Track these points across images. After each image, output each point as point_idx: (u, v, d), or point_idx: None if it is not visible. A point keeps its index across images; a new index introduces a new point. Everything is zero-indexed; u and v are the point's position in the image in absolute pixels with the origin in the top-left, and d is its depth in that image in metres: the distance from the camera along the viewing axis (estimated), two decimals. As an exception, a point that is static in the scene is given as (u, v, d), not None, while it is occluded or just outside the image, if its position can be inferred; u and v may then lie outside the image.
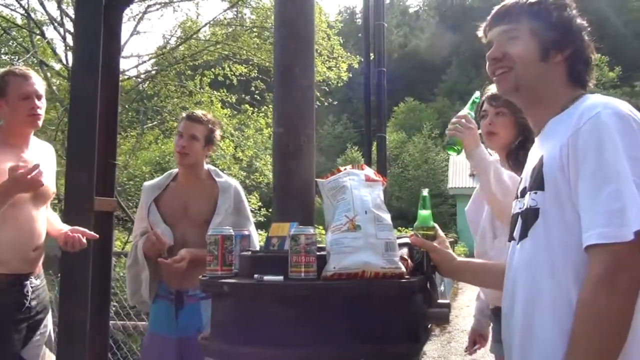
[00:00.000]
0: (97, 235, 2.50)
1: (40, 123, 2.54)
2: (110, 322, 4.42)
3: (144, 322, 4.37)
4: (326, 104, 13.60)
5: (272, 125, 1.66)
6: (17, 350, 2.47)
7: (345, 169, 1.50)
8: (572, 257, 1.18)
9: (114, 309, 4.93)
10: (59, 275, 3.12)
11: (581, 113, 1.23)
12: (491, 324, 2.72)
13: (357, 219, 1.38)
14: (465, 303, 10.76)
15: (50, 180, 2.64)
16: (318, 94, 13.28)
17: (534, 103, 1.40)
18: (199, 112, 2.84)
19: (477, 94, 2.21)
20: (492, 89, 2.30)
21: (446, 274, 1.61)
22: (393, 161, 33.50)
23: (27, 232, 2.49)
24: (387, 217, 1.43)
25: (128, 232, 9.69)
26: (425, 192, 1.63)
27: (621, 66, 30.01)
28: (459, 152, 2.14)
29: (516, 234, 1.36)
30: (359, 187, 1.44)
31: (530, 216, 1.29)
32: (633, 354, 1.12)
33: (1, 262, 2.39)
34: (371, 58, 3.50)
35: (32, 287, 2.55)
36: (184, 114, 2.87)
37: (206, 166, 2.86)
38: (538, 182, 1.27)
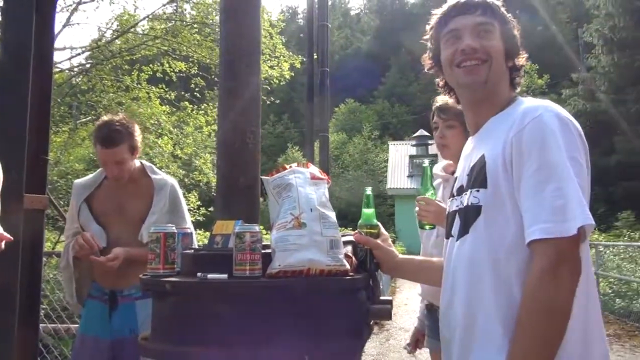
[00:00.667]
0: (11, 238, 2.34)
1: None
2: (40, 325, 4.22)
3: (76, 325, 4.20)
4: (268, 102, 13.52)
5: (213, 122, 1.63)
6: None
7: (290, 167, 1.50)
8: (514, 252, 1.23)
9: (43, 311, 4.69)
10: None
11: (523, 113, 1.28)
12: (425, 321, 2.77)
13: (302, 216, 1.38)
14: (403, 301, 10.99)
15: None
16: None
17: (484, 100, 1.43)
18: (111, 126, 2.56)
19: (425, 162, 2.31)
20: (440, 100, 2.36)
21: (389, 271, 1.64)
22: (334, 161, 33.72)
23: None
24: (332, 215, 1.44)
25: (59, 231, 9.27)
26: (369, 190, 1.66)
27: (549, 74, 31.53)
28: (433, 227, 2.32)
29: (454, 231, 1.39)
30: (305, 185, 1.45)
31: (471, 213, 1.31)
32: (571, 341, 1.18)
33: None
34: (314, 58, 3.51)
35: None
36: (95, 137, 2.60)
37: (138, 162, 2.75)
38: (480, 180, 1.30)
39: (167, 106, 12.68)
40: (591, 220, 1.16)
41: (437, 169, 2.57)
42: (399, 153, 30.01)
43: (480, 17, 1.39)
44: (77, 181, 2.83)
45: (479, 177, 1.31)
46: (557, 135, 1.20)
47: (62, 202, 10.23)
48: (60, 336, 4.62)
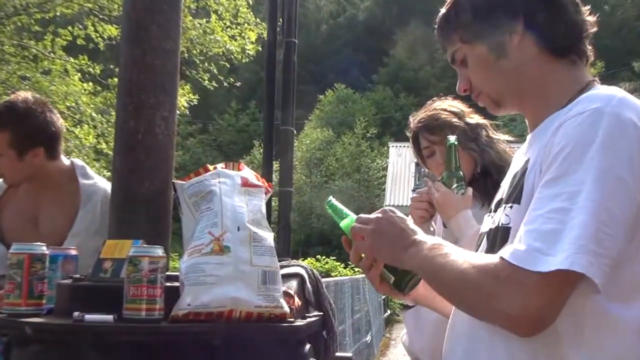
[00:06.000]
0: None
1: None
2: None
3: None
4: (226, 84, 13.50)
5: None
6: None
7: (215, 168, 1.48)
8: None
9: None
10: None
11: (574, 105, 1.26)
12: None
13: (225, 237, 1.37)
14: (398, 357, 10.99)
15: None
16: (215, 71, 13.16)
17: (526, 109, 1.46)
18: None
19: (452, 139, 2.23)
20: (419, 115, 2.44)
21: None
22: (315, 167, 33.79)
23: None
24: (268, 236, 1.43)
25: None
26: (331, 199, 1.61)
27: (604, 61, 31.95)
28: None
29: None
30: (232, 194, 1.43)
31: (499, 236, 1.30)
32: None
33: None
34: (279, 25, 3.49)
35: None
36: None
37: (68, 161, 2.64)
38: (516, 193, 1.29)
39: (90, 83, 12.61)
40: (586, 270, 1.09)
41: None
42: (402, 158, 30.14)
43: (448, 50, 1.48)
44: None
45: (516, 188, 1.31)
46: (599, 141, 1.16)
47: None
48: None
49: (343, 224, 1.57)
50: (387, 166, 31.27)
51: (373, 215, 1.42)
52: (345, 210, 1.58)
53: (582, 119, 1.20)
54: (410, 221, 1.41)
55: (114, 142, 1.56)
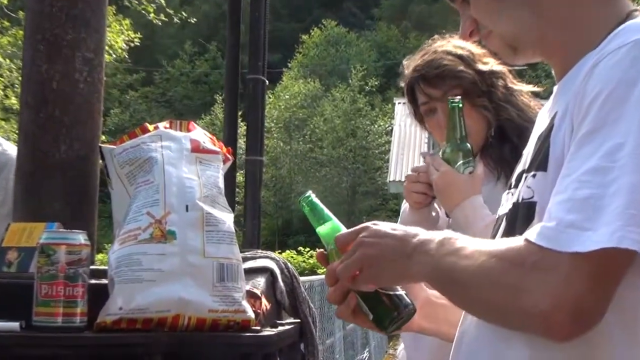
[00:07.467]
0: None
1: None
2: None
3: None
4: (177, 20, 13.48)
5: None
6: None
7: (156, 128, 1.48)
8: None
9: None
10: None
11: (612, 38, 1.26)
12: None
13: (169, 219, 1.38)
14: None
15: None
16: (163, 2, 13.10)
17: (550, 56, 1.47)
18: None
19: (456, 99, 2.18)
20: (415, 60, 2.39)
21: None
22: (296, 130, 33.83)
23: None
24: (226, 218, 1.44)
25: None
26: (309, 194, 1.58)
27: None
28: None
29: None
30: (179, 162, 1.45)
31: (520, 214, 1.33)
32: None
33: None
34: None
35: None
36: None
37: None
38: (540, 158, 1.31)
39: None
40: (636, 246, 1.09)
41: None
42: (411, 119, 30.10)
43: None
44: None
45: (540, 152, 1.32)
46: None
47: None
48: None
49: (322, 230, 1.56)
50: (391, 129, 31.23)
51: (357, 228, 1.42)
52: (327, 211, 1.56)
53: (622, 55, 1.21)
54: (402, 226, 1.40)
55: (21, 91, 1.56)
